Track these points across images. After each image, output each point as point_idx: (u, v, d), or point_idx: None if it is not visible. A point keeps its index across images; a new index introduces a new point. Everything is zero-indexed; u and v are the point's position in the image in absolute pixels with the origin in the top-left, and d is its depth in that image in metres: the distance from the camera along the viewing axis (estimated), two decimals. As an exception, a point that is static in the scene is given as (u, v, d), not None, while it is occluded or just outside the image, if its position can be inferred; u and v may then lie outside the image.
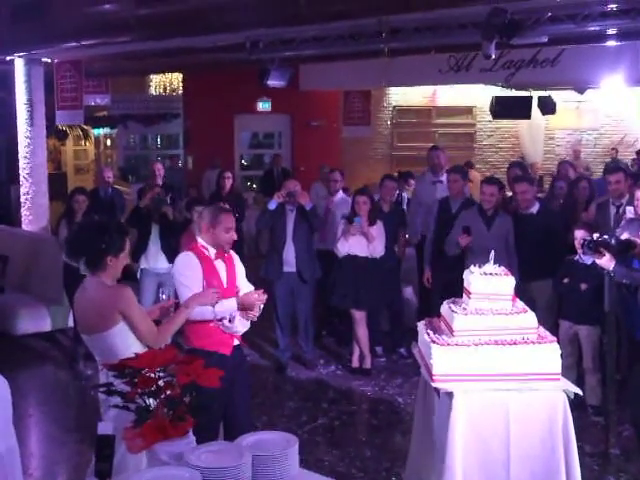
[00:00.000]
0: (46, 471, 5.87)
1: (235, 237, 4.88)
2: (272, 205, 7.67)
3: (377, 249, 7.58)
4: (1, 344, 8.50)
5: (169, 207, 8.12)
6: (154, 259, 8.03)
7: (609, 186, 7.22)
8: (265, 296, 4.76)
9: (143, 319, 4.06)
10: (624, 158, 15.22)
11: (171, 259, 6.76)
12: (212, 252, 4.80)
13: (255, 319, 4.80)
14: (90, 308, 4.04)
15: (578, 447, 4.30)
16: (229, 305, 4.69)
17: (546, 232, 7.07)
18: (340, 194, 8.69)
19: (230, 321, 4.70)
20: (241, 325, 4.78)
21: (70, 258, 4.41)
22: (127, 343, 3.96)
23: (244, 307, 4.71)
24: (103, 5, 8.74)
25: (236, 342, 4.84)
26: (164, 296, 4.67)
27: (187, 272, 4.72)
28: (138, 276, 8.09)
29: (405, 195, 10.28)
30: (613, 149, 16.39)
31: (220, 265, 4.81)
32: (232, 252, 4.98)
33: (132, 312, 3.99)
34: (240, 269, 4.96)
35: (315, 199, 8.74)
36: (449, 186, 7.82)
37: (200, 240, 4.83)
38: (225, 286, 4.76)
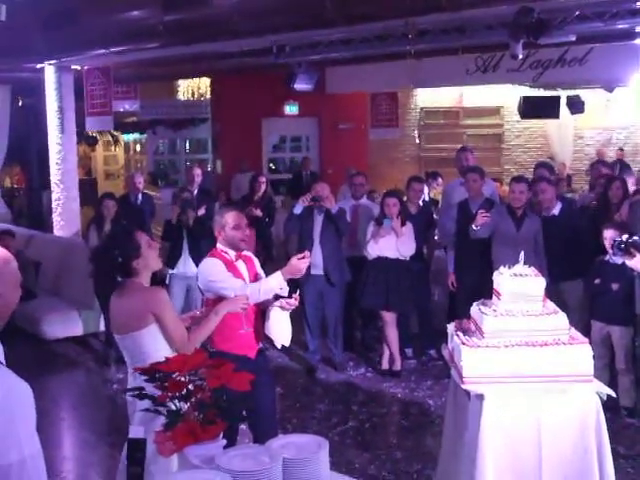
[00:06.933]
0: (78, 474, 5.93)
1: (247, 232, 4.93)
2: (297, 210, 7.69)
3: (406, 249, 7.57)
4: (33, 348, 8.60)
5: (193, 213, 8.21)
6: (183, 263, 8.16)
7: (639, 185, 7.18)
8: (296, 301, 4.77)
9: (175, 323, 4.07)
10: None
11: (198, 263, 6.85)
12: (232, 254, 4.86)
13: (294, 306, 4.77)
14: (124, 308, 4.06)
15: (612, 449, 4.25)
16: (275, 280, 4.69)
17: (571, 233, 7.02)
18: (364, 199, 8.59)
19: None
20: (278, 327, 4.79)
21: (106, 285, 4.32)
22: (156, 346, 3.98)
23: (290, 274, 4.69)
24: (131, 12, 8.82)
25: (260, 345, 4.89)
26: (197, 311, 4.74)
27: (216, 273, 4.75)
28: (167, 281, 8.16)
29: (428, 196, 10.23)
30: (620, 149, 16.19)
31: (241, 265, 4.88)
32: (250, 254, 5.03)
33: (165, 314, 4.01)
34: (260, 270, 5.02)
35: (343, 202, 8.72)
36: (468, 186, 7.73)
37: (219, 245, 4.89)
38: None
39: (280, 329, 4.84)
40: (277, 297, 4.80)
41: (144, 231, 4.38)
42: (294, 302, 4.74)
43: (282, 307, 4.76)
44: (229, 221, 4.85)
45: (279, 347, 5.13)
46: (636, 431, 5.94)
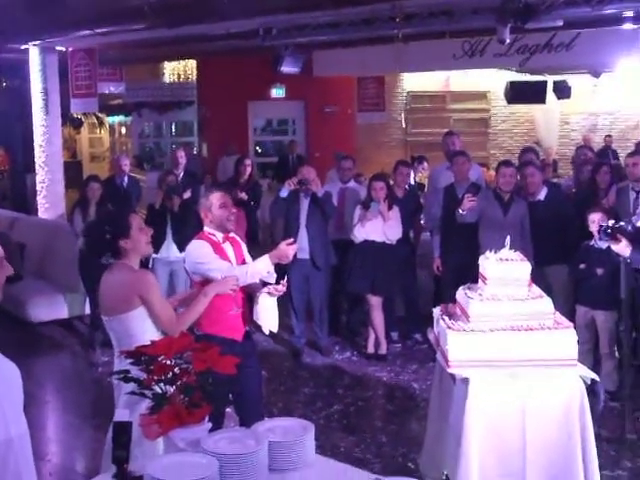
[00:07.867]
0: (64, 457, 5.91)
1: (234, 210, 4.92)
2: (284, 193, 7.66)
3: (393, 232, 7.58)
4: (18, 331, 8.57)
5: (178, 199, 8.18)
6: (166, 248, 8.16)
7: (627, 169, 7.20)
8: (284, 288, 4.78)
9: (163, 305, 4.07)
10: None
11: (182, 248, 6.86)
12: (219, 236, 4.85)
13: (281, 292, 4.79)
14: (112, 289, 4.06)
15: (595, 433, 4.29)
16: (262, 264, 4.69)
17: (557, 218, 7.05)
18: (352, 183, 8.62)
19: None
20: (267, 313, 4.80)
21: (95, 258, 4.39)
22: (143, 328, 3.97)
23: (277, 259, 4.71)
24: (116, -7, 8.74)
25: (247, 328, 4.88)
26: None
27: (203, 255, 4.73)
28: (150, 265, 8.14)
29: (414, 180, 10.23)
30: (608, 136, 16.20)
31: (228, 248, 4.87)
32: (237, 237, 5.02)
33: (151, 297, 4.00)
34: (247, 253, 5.01)
35: (331, 185, 8.70)
36: (455, 169, 7.73)
37: (206, 228, 4.88)
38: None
39: (268, 315, 4.85)
40: (264, 283, 4.80)
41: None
42: (282, 288, 4.76)
43: (270, 293, 4.77)
44: (214, 201, 4.84)
45: (267, 333, 5.14)
46: (619, 415, 5.98)
